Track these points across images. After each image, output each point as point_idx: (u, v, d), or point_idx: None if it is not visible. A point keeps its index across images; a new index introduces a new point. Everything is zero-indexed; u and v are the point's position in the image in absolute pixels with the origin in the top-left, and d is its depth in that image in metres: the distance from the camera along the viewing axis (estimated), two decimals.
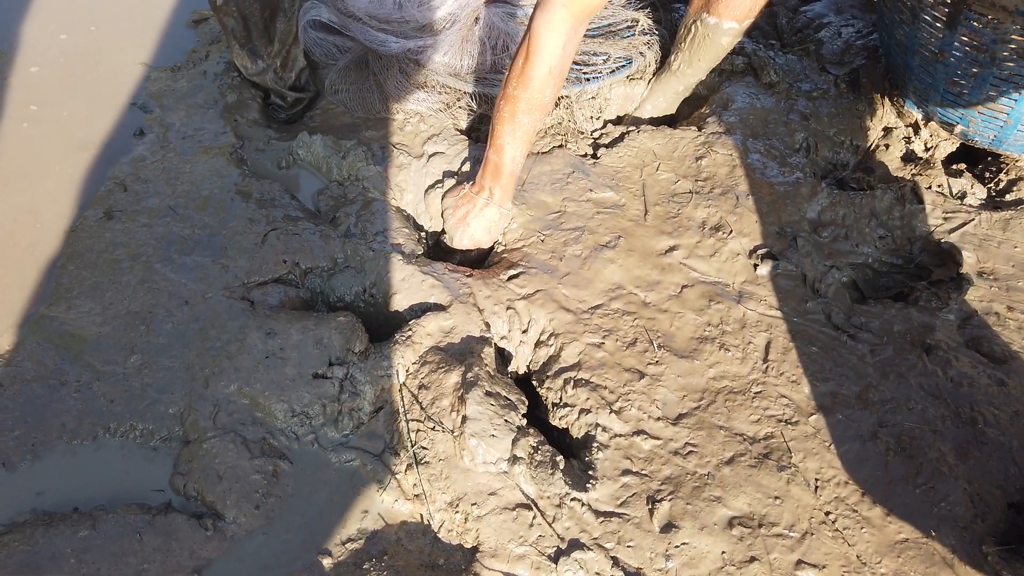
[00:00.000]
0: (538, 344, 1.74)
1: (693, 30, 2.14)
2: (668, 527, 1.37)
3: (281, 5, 2.18)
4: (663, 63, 2.31)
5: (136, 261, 1.79)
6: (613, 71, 2.29)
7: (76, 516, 1.37)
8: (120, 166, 2.03)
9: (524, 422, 1.54)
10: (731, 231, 1.89)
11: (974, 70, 1.83)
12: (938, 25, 1.83)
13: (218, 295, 1.73)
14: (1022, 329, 1.67)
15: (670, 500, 1.40)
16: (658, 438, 1.51)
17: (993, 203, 1.97)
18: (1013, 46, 1.71)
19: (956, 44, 1.82)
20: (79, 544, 1.33)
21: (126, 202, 1.94)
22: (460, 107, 2.27)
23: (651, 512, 1.39)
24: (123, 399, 1.55)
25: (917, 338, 1.67)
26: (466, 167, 2.10)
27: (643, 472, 1.45)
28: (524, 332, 1.75)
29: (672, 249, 1.87)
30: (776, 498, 1.41)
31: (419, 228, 2.04)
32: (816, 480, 1.43)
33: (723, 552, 1.33)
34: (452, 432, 1.50)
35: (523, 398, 1.59)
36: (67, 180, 2.00)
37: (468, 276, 1.82)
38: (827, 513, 1.40)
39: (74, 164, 2.04)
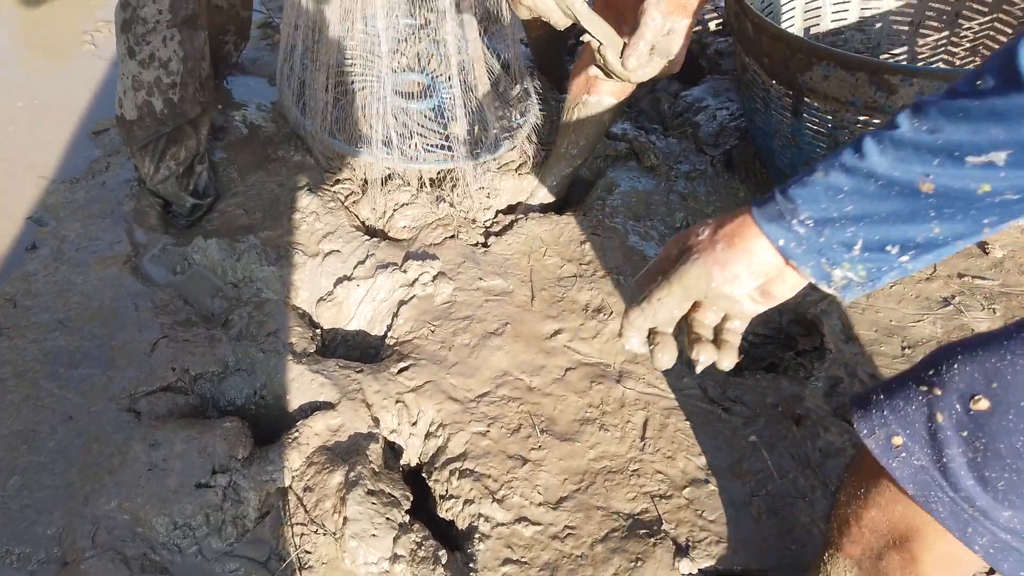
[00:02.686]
0: (427, 436, 1.77)
1: (576, 112, 2.26)
2: None
3: (191, 118, 2.26)
4: (549, 151, 2.43)
5: (22, 379, 1.79)
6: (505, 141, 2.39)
7: None
8: (11, 282, 2.05)
9: (407, 518, 1.56)
10: (612, 312, 1.97)
11: (823, 154, 1.97)
12: (786, 114, 1.97)
13: (104, 407, 1.73)
14: None
15: None
16: (539, 523, 1.54)
17: None
18: (850, 132, 1.85)
19: (803, 131, 1.95)
20: None
21: (15, 318, 1.94)
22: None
23: None
24: (1, 522, 1.53)
25: (788, 409, 1.74)
26: (360, 269, 2.15)
27: (523, 560, 1.48)
28: (413, 424, 1.79)
29: (557, 333, 1.94)
30: (638, 560, 1.45)
31: (314, 326, 2.08)
32: (687, 542, 1.48)
33: None
34: (334, 534, 1.51)
35: (408, 494, 1.62)
36: None
37: (358, 372, 1.85)
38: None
39: None
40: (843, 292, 0.82)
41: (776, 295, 0.88)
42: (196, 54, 2.22)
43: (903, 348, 1.87)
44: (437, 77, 2.55)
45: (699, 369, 0.97)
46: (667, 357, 0.97)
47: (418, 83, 2.57)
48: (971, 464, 0.86)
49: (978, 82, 0.68)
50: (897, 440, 0.90)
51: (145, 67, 2.13)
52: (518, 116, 2.56)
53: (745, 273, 0.85)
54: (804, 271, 0.80)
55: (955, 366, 0.90)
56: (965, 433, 0.86)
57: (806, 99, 1.85)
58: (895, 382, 0.96)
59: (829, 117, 1.87)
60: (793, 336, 1.93)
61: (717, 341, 0.96)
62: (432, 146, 2.39)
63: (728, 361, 0.95)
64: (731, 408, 1.75)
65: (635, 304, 0.96)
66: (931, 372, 0.92)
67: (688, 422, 1.72)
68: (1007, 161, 0.66)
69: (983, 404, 0.84)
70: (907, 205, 0.72)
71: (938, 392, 0.89)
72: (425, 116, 2.47)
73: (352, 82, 2.44)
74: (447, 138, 2.39)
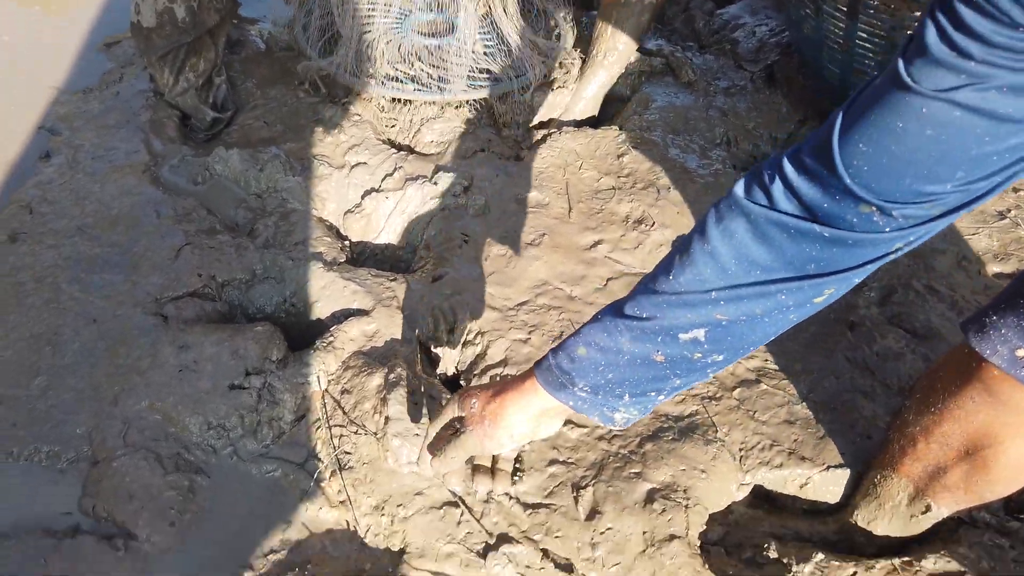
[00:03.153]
0: (465, 343, 1.71)
1: (615, 13, 2.17)
2: (593, 514, 1.34)
3: (210, 27, 2.17)
4: (585, 61, 2.33)
5: (41, 283, 1.72)
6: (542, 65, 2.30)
7: None
8: (25, 189, 1.96)
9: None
10: (654, 223, 1.90)
11: (877, 58, 1.88)
12: (840, 16, 1.87)
13: (128, 312, 1.67)
14: (943, 305, 1.69)
15: (593, 485, 1.37)
16: (584, 426, 1.48)
17: None
18: (911, 31, 1.75)
19: (858, 33, 1.86)
20: None
21: (31, 225, 1.87)
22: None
23: (576, 500, 1.36)
24: (27, 422, 1.47)
25: (841, 316, 1.68)
26: (388, 182, 2.08)
27: (569, 460, 1.42)
28: (450, 332, 1.72)
29: (597, 244, 1.87)
30: (691, 461, 1.40)
31: (342, 238, 2.00)
32: (740, 446, 1.42)
33: (644, 532, 1.31)
34: (375, 435, 1.45)
35: (448, 396, 1.56)
36: None
37: (392, 280, 1.78)
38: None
39: None
40: (624, 425, 1.02)
41: (543, 433, 1.11)
42: None
43: (959, 260, 1.80)
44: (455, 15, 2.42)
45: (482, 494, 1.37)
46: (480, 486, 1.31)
47: (439, 21, 2.46)
48: None
49: (670, 276, 0.89)
50: (1021, 352, 0.97)
51: None
52: (549, 36, 2.46)
53: (506, 437, 1.09)
54: (593, 418, 1.01)
55: None
56: None
57: None
58: (1003, 303, 1.00)
59: (887, 16, 1.77)
60: None
61: (493, 470, 1.28)
62: (453, 77, 2.29)
63: (502, 486, 1.29)
64: None
65: (435, 457, 1.19)
66: None
67: None
68: (706, 336, 0.88)
69: None
70: (651, 370, 0.94)
71: None
72: (445, 50, 2.36)
73: (370, 18, 2.34)
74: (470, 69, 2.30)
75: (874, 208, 0.74)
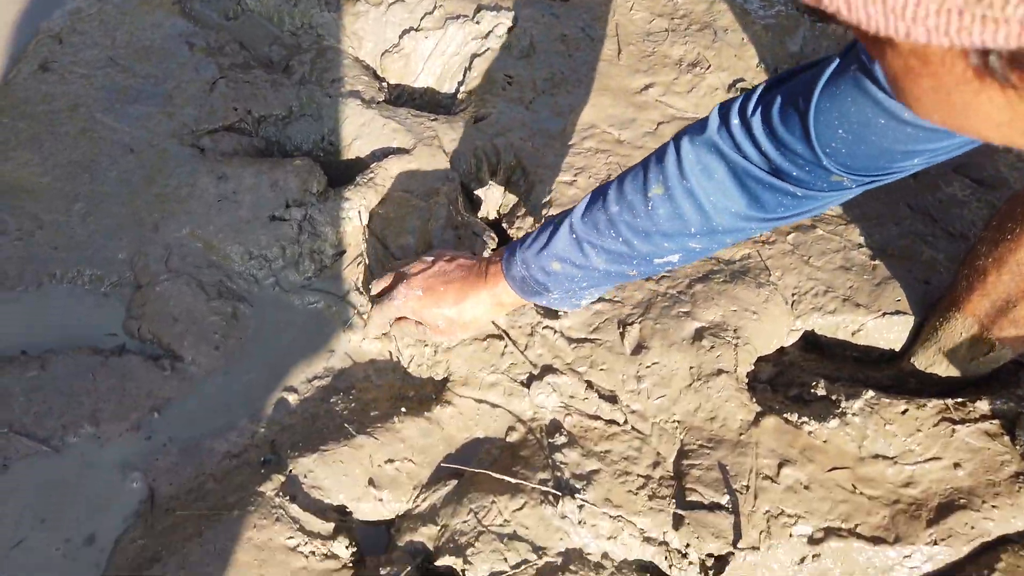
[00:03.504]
0: (508, 185, 1.66)
1: None
2: (639, 349, 1.32)
3: None
4: None
5: (75, 112, 1.68)
6: None
7: (24, 358, 1.31)
8: (54, 19, 1.89)
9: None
10: (709, 66, 1.80)
11: None
12: None
13: (165, 142, 1.62)
14: (1011, 155, 1.61)
15: (640, 322, 1.35)
16: None
17: None
18: None
19: None
20: (29, 384, 1.26)
21: (62, 54, 1.80)
22: None
23: (622, 336, 1.34)
24: (68, 246, 1.46)
25: None
26: (428, 20, 1.97)
27: (616, 299, 1.40)
28: (493, 174, 1.67)
29: (647, 87, 1.78)
30: (742, 303, 1.37)
31: (379, 78, 1.92)
32: (793, 293, 1.39)
33: (691, 367, 1.29)
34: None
35: (492, 234, 1.52)
36: None
37: (433, 120, 1.72)
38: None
39: (2, 15, 1.89)
40: (585, 305, 1.20)
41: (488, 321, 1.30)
42: None
43: None
44: None
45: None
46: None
47: None
48: None
49: (647, 206, 0.96)
50: None
51: None
52: None
53: (460, 334, 1.29)
54: (560, 309, 1.21)
55: None
56: None
57: None
58: None
59: None
60: None
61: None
62: None
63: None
64: None
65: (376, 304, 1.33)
66: None
67: None
68: (680, 260, 1.01)
69: None
70: (622, 279, 1.09)
71: None
72: None
73: None
74: None
75: (845, 178, 0.82)
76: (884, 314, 1.37)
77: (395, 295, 1.26)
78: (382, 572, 1.09)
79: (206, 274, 1.44)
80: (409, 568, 1.08)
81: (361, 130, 1.70)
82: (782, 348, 1.39)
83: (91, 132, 1.64)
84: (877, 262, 1.41)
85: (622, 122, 1.71)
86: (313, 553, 1.10)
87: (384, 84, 1.90)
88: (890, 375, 1.33)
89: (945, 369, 1.26)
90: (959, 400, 1.23)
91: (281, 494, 1.15)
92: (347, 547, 1.13)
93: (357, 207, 1.54)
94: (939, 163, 1.55)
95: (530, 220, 1.57)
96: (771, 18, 1.90)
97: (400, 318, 1.30)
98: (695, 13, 1.92)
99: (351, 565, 1.12)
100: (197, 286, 1.42)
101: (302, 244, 1.49)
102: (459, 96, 1.88)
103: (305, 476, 1.17)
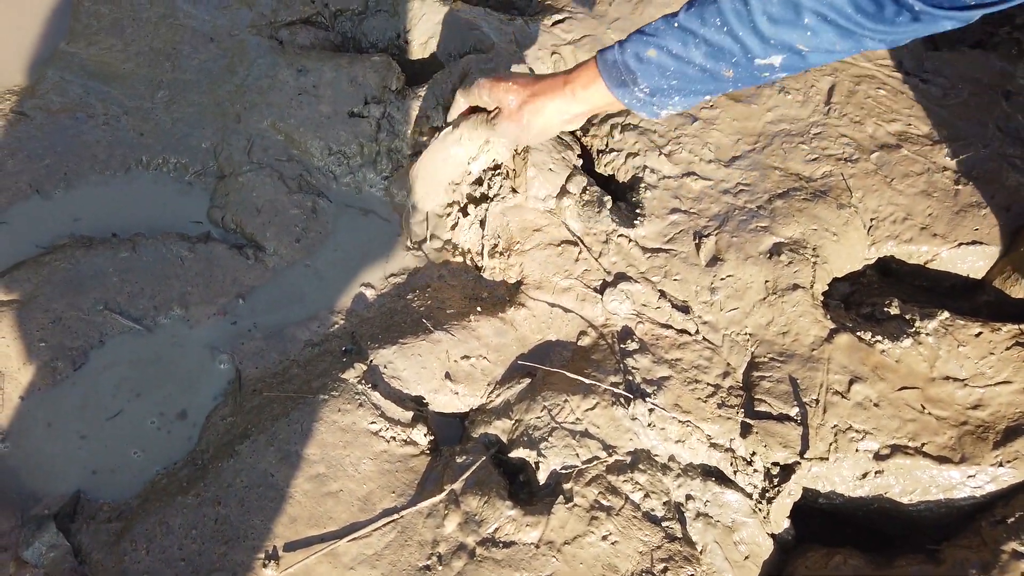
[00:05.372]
0: None
1: None
2: (714, 260, 1.32)
3: None
4: None
5: None
6: None
7: (115, 240, 1.36)
8: None
9: (580, 162, 1.47)
10: None
11: None
12: None
13: (244, 33, 1.62)
14: None
15: (716, 235, 1.35)
16: (709, 179, 1.44)
17: None
18: None
19: None
20: (121, 264, 1.32)
21: None
22: None
23: (697, 247, 1.34)
24: (153, 133, 1.49)
25: (996, 83, 1.55)
26: None
27: (691, 211, 1.39)
28: None
29: None
30: (832, 232, 1.36)
31: None
32: (872, 219, 1.37)
33: (766, 281, 1.30)
34: (511, 169, 1.43)
35: (577, 139, 1.52)
36: None
37: (511, 19, 1.69)
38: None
39: None
40: (664, 118, 1.21)
41: (556, 132, 1.21)
42: None
43: None
44: None
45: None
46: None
47: None
48: None
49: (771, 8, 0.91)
50: None
51: None
52: None
53: (538, 133, 1.19)
54: (640, 114, 1.10)
55: None
56: None
57: None
58: None
59: None
60: (1008, 12, 1.67)
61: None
62: None
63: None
64: (929, 79, 1.56)
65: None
66: None
67: (880, 90, 1.54)
68: (781, 64, 0.96)
69: None
70: (714, 83, 1.01)
71: None
72: None
73: None
74: None
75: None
76: (960, 244, 1.35)
77: (478, 81, 1.23)
78: (458, 460, 1.14)
79: (287, 167, 1.47)
80: (484, 458, 1.13)
81: (437, 28, 1.68)
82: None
83: (171, 19, 1.64)
84: (960, 187, 1.38)
85: None
86: (394, 438, 1.15)
87: None
88: (966, 300, 1.32)
89: (1022, 293, 1.25)
90: None
91: (363, 382, 1.20)
92: (425, 435, 1.18)
93: (434, 107, 1.53)
94: None
95: (606, 127, 1.55)
96: None
97: (473, 109, 1.28)
98: None
99: (428, 452, 1.17)
100: (279, 179, 1.45)
101: (380, 142, 1.50)
102: None
103: (385, 367, 1.22)
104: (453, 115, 1.31)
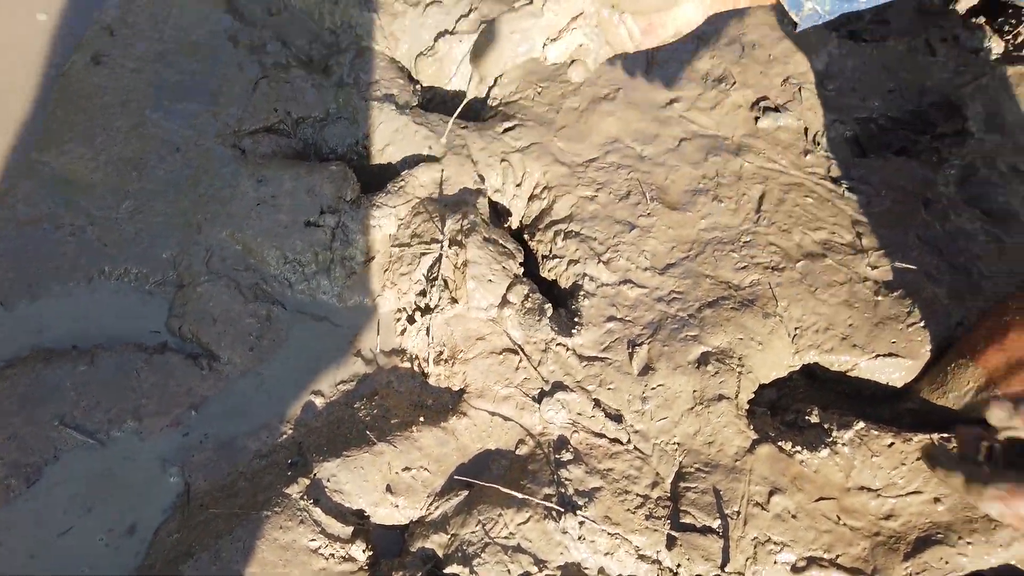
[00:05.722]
0: (531, 197, 1.72)
1: None
2: (646, 369, 1.39)
3: None
4: None
5: (126, 107, 1.77)
6: None
7: (75, 353, 1.42)
8: (107, 9, 1.97)
9: (520, 270, 1.55)
10: (735, 82, 1.83)
11: None
12: None
13: (210, 142, 1.71)
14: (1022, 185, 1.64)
15: (649, 344, 1.42)
16: (644, 287, 1.52)
17: (1010, 58, 1.89)
18: None
19: None
20: (79, 378, 1.38)
21: (113, 47, 1.89)
22: None
23: (631, 356, 1.41)
24: (117, 243, 1.56)
25: (917, 191, 1.64)
26: (463, 23, 2.02)
27: (627, 319, 1.47)
28: (518, 185, 1.74)
29: (673, 102, 1.82)
30: (757, 342, 1.43)
31: (413, 81, 1.98)
32: (796, 328, 1.45)
33: (695, 391, 1.37)
34: (449, 279, 1.51)
35: (519, 247, 1.60)
36: (52, 20, 1.94)
37: (463, 128, 1.78)
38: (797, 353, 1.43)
39: (58, 2, 1.98)
40: (801, 22, 1.02)
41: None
42: None
43: None
44: None
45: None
46: None
47: None
48: None
49: None
50: None
51: None
52: None
53: None
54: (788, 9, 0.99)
55: None
56: None
57: None
58: None
59: None
60: (931, 120, 1.78)
61: None
62: None
63: None
64: (854, 187, 1.65)
65: None
66: None
67: (808, 198, 1.63)
68: None
69: None
70: None
71: None
72: None
73: None
74: None
75: None
76: (878, 356, 1.42)
77: None
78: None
79: (244, 276, 1.54)
80: (420, 574, 1.18)
81: (394, 136, 1.76)
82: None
83: (141, 129, 1.73)
84: (880, 297, 1.47)
85: (646, 137, 1.76)
86: (333, 555, 1.20)
87: (418, 87, 1.96)
88: (885, 411, 1.39)
89: (944, 409, 1.32)
90: (944, 435, 1.29)
91: (306, 497, 1.25)
92: (364, 551, 1.23)
93: (387, 215, 1.62)
94: (951, 192, 1.58)
95: (551, 233, 1.63)
96: (801, 35, 1.92)
97: None
98: (727, 26, 1.94)
99: (367, 568, 1.23)
100: (235, 288, 1.51)
101: (334, 250, 1.57)
102: (490, 101, 1.94)
103: (328, 480, 1.28)
104: None
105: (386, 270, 1.56)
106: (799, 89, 1.80)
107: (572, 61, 1.25)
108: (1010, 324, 1.21)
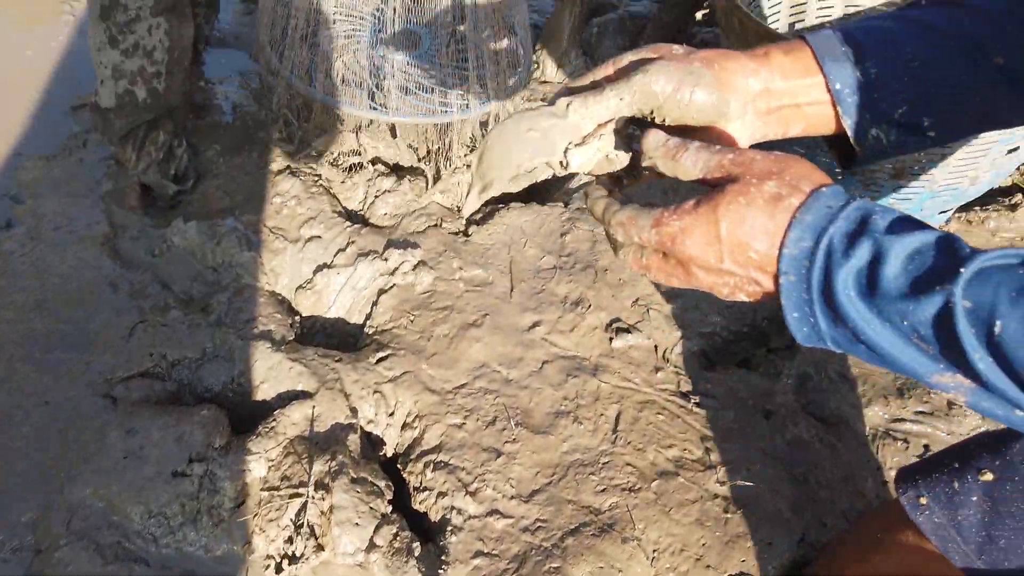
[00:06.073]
0: (404, 427, 1.79)
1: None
2: None
3: (174, 107, 2.23)
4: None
5: None
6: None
7: None
8: None
9: (389, 509, 1.58)
10: (590, 305, 1.99)
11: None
12: None
13: (80, 393, 1.74)
14: (853, 393, 1.79)
15: None
16: (510, 516, 1.57)
17: None
18: None
19: None
20: None
21: None
22: None
23: None
24: None
25: (758, 403, 1.77)
26: (340, 257, 2.14)
27: (493, 552, 1.51)
28: (391, 415, 1.80)
29: (535, 325, 1.96)
30: (617, 569, 1.48)
31: (293, 313, 2.08)
32: (654, 551, 1.51)
33: None
34: (315, 526, 1.53)
35: (389, 484, 1.64)
36: None
37: (337, 361, 1.86)
38: None
39: None
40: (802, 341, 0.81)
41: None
42: (183, 42, 2.18)
43: None
44: (426, 28, 2.51)
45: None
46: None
47: (408, 33, 2.53)
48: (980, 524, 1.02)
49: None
50: (923, 500, 1.06)
51: (128, 56, 2.08)
52: (511, 75, 2.52)
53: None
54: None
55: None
56: (975, 498, 1.01)
57: None
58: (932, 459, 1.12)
59: None
60: (767, 333, 1.95)
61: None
62: (418, 100, 2.36)
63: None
64: (703, 402, 1.78)
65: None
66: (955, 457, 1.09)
67: (660, 415, 1.75)
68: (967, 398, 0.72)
69: (988, 476, 1.00)
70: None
71: (956, 465, 1.06)
72: (409, 68, 2.44)
73: (333, 28, 2.38)
74: (434, 91, 2.37)
75: None
76: None
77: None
78: None
79: (105, 535, 1.52)
80: None
81: (268, 374, 1.83)
82: None
83: (9, 383, 1.75)
84: (729, 515, 1.55)
85: (511, 361, 1.87)
86: None
87: (297, 319, 2.05)
88: None
89: None
90: None
91: None
92: None
93: (257, 459, 1.64)
94: (789, 401, 1.72)
95: (420, 464, 1.69)
96: None
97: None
98: (580, 251, 2.13)
99: None
100: (95, 550, 1.49)
101: (201, 500, 1.58)
102: (366, 329, 2.04)
103: None
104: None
105: (255, 516, 1.57)
106: (647, 310, 1.96)
107: None
108: (849, 559, 1.29)
